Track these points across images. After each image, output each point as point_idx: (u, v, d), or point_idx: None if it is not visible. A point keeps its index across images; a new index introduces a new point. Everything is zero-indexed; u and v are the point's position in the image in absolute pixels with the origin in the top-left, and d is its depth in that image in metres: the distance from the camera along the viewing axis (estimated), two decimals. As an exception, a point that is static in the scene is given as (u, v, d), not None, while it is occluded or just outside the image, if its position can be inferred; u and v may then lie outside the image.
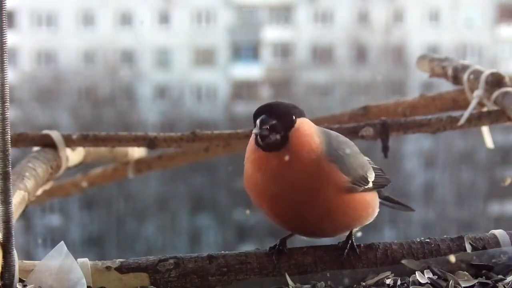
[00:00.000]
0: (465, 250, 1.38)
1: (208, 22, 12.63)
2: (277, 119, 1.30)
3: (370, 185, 1.42)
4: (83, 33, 12.18)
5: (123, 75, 12.13)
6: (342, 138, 1.44)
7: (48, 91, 11.73)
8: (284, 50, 12.68)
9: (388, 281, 1.32)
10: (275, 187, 1.33)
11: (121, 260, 1.36)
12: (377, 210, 1.47)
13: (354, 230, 1.43)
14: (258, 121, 1.30)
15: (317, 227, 1.39)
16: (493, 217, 10.11)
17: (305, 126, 1.35)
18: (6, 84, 1.19)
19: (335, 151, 1.37)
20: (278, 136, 1.31)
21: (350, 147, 1.42)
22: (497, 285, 1.27)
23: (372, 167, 1.46)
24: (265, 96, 12.32)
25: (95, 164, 2.45)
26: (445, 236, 1.42)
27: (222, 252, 1.38)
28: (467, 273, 1.32)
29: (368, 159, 1.48)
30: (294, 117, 1.33)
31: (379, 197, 1.51)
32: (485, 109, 2.02)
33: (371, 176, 1.43)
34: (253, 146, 1.35)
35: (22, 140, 1.94)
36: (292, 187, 1.33)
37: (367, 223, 1.45)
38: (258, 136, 1.31)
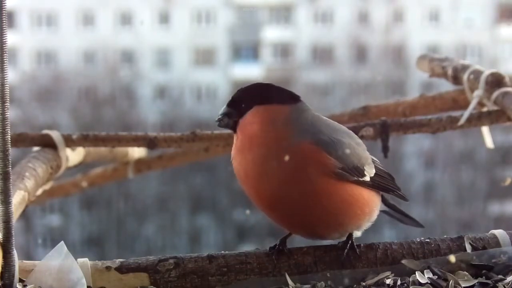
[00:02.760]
0: (465, 250, 1.37)
1: (208, 22, 12.63)
2: (232, 107, 1.40)
3: (367, 179, 1.39)
4: (83, 33, 12.18)
5: (123, 75, 12.13)
6: (340, 127, 1.43)
7: (48, 91, 11.73)
8: (284, 50, 12.69)
9: (388, 281, 1.31)
10: (247, 167, 1.37)
11: (121, 260, 1.36)
12: (376, 212, 1.44)
13: (354, 232, 1.42)
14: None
15: (306, 218, 1.36)
16: (493, 217, 10.11)
17: (259, 114, 1.37)
18: (6, 84, 1.19)
19: (324, 136, 1.36)
20: (229, 121, 1.40)
21: (349, 138, 1.41)
22: (497, 285, 1.27)
23: (378, 167, 1.44)
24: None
25: (95, 164, 2.45)
26: (445, 236, 1.42)
27: (222, 252, 1.38)
28: (467, 273, 1.32)
29: (375, 159, 1.46)
30: (243, 105, 1.38)
31: (385, 204, 1.50)
32: (485, 109, 2.01)
33: (370, 171, 1.41)
34: None
35: (22, 140, 1.94)
36: (264, 167, 1.35)
37: (365, 225, 1.43)
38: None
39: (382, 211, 1.50)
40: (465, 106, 2.02)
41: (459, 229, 9.42)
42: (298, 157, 1.33)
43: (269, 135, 1.35)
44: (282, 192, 1.33)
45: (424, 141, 10.82)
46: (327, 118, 1.45)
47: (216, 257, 1.36)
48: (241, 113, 1.38)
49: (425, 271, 1.33)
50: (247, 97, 1.39)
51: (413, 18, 12.38)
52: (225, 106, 1.40)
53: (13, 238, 1.22)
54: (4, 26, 1.18)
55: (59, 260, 1.26)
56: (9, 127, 1.20)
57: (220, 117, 1.40)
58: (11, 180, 1.21)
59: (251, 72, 12.35)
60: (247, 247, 1.49)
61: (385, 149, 1.91)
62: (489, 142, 2.13)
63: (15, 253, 1.22)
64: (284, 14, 12.71)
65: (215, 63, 12.65)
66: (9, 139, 1.20)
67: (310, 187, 1.33)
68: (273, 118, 1.36)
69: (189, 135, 1.97)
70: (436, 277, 1.31)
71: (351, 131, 1.45)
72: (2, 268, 1.21)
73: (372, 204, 1.42)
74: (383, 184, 1.45)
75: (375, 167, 1.43)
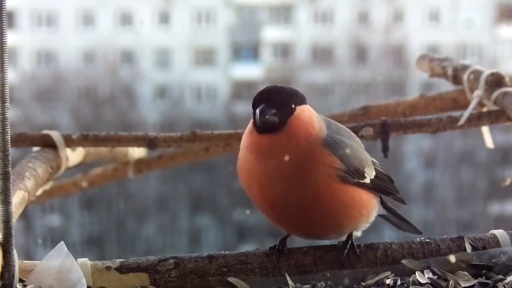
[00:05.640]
0: (465, 250, 1.37)
1: (208, 22, 12.64)
2: (276, 108, 1.30)
3: (367, 181, 1.39)
4: (83, 33, 12.19)
5: (123, 75, 12.15)
6: (343, 128, 1.43)
7: (48, 91, 11.74)
8: (284, 50, 12.70)
9: (388, 281, 1.31)
10: (265, 167, 1.32)
11: (121, 260, 1.35)
12: (374, 214, 1.43)
13: (354, 232, 1.42)
14: (258, 111, 1.30)
15: (305, 218, 1.36)
16: (493, 217, 10.12)
17: (305, 114, 1.34)
18: (6, 84, 1.19)
19: (330, 138, 1.35)
20: (276, 119, 1.31)
21: (350, 138, 1.40)
22: (497, 285, 1.27)
23: (378, 169, 1.44)
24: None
25: (95, 164, 2.45)
26: (445, 236, 1.42)
27: (222, 252, 1.38)
28: (467, 273, 1.32)
29: (375, 161, 1.46)
30: (293, 106, 1.33)
31: (383, 207, 1.50)
32: (485, 109, 2.01)
33: (370, 173, 1.40)
34: (249, 130, 1.35)
35: (22, 140, 1.93)
36: (281, 168, 1.31)
37: (363, 226, 1.43)
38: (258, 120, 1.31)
39: (380, 215, 1.50)
40: (465, 106, 2.02)
41: (459, 229, 9.42)
42: (312, 158, 1.33)
43: (313, 133, 1.34)
44: (289, 192, 1.33)
45: (424, 141, 10.84)
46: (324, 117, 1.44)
47: (216, 257, 1.36)
48: (288, 113, 1.32)
49: (425, 271, 1.33)
50: (291, 98, 1.33)
51: (413, 18, 12.40)
52: (264, 105, 1.30)
53: (13, 238, 1.22)
54: (4, 26, 1.18)
55: (59, 260, 1.26)
56: (9, 127, 1.20)
57: (268, 117, 1.29)
58: (11, 180, 1.21)
59: (251, 72, 12.36)
60: (247, 247, 1.49)
61: (385, 149, 1.91)
62: (489, 142, 2.13)
63: (15, 253, 1.22)
64: (284, 14, 12.73)
65: (215, 63, 12.67)
66: (9, 139, 1.20)
67: (314, 189, 1.33)
68: (314, 117, 1.36)
69: (189, 135, 1.97)
70: (436, 277, 1.31)
71: (349, 130, 1.45)
72: (2, 268, 1.20)
73: (370, 206, 1.42)
74: (383, 186, 1.44)
75: (375, 169, 1.43)
